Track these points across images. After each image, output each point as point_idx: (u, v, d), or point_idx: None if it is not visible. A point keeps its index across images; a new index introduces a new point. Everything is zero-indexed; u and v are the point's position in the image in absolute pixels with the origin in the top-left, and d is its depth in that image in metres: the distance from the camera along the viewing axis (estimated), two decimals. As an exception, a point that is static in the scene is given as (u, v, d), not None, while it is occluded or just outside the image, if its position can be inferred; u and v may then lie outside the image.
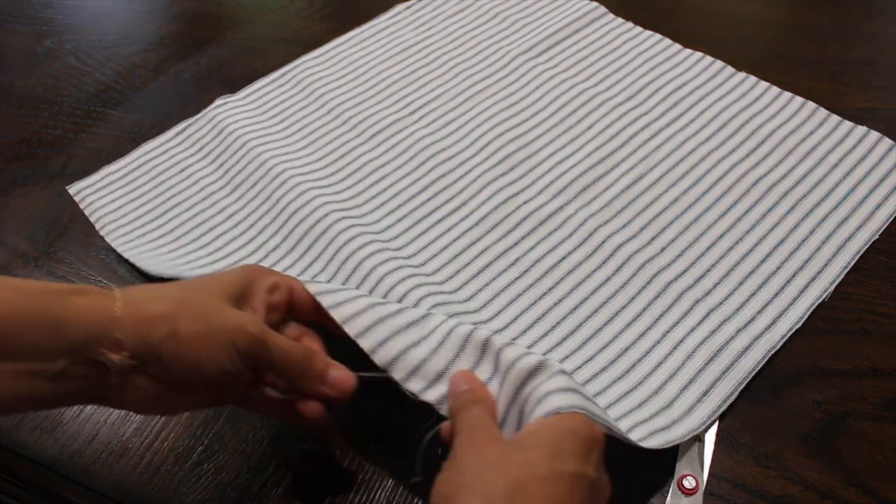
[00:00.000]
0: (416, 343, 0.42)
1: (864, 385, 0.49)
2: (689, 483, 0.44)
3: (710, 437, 0.46)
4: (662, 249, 0.55)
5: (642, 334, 0.50)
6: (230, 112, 0.68)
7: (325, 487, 0.46)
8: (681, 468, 0.45)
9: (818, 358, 0.50)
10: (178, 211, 0.61)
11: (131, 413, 0.50)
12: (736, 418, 0.47)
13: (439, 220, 0.58)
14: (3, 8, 0.85)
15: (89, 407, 0.51)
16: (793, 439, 0.46)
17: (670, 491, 0.44)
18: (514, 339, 0.50)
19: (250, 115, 0.68)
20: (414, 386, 0.42)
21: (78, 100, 0.73)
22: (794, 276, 0.53)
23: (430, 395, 0.41)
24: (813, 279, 0.53)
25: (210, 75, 0.74)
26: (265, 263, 0.56)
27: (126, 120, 0.70)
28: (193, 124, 0.68)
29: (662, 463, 0.46)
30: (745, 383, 0.48)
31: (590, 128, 0.64)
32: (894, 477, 0.44)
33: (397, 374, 0.42)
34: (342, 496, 0.46)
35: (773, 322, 0.50)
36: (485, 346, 0.42)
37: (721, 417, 0.47)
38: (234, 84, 0.72)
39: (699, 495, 0.44)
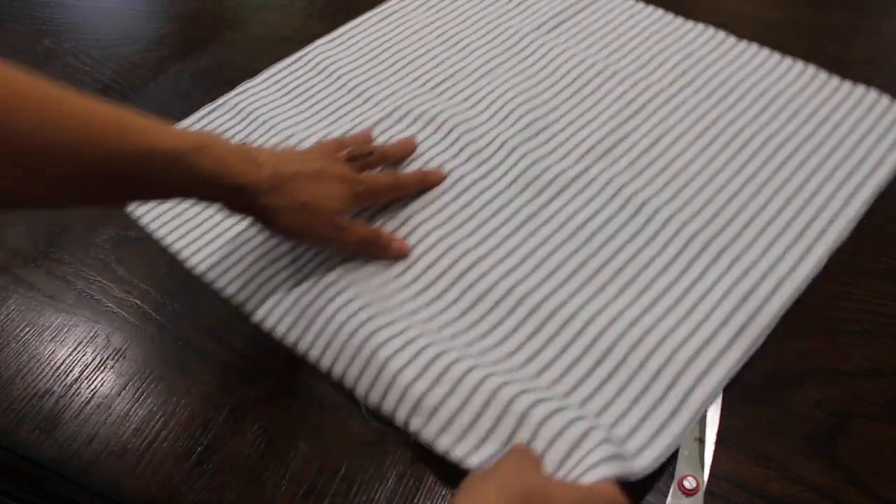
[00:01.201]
0: (447, 397, 0.46)
1: (865, 385, 0.49)
2: (689, 483, 0.44)
3: (711, 438, 0.46)
4: (685, 204, 0.57)
5: (672, 283, 0.53)
6: (252, 97, 0.69)
7: (324, 487, 0.46)
8: (681, 468, 0.45)
9: (819, 358, 0.50)
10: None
11: (131, 413, 0.50)
12: (736, 418, 0.47)
13: (469, 187, 0.60)
14: (2, 8, 0.85)
15: (89, 407, 0.51)
16: (793, 439, 0.46)
17: (671, 491, 0.44)
18: (553, 291, 0.53)
19: (272, 97, 0.69)
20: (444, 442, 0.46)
21: (77, 99, 0.73)
22: (809, 225, 0.56)
23: (473, 460, 0.45)
24: (826, 228, 0.56)
25: (210, 75, 0.74)
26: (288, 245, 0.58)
27: (126, 120, 0.70)
28: (216, 110, 0.69)
29: (663, 463, 0.46)
30: (771, 328, 0.50)
31: (604, 97, 0.66)
32: (894, 477, 0.44)
33: (429, 433, 0.46)
34: (342, 496, 0.46)
35: (794, 267, 0.53)
36: (522, 417, 0.45)
37: (722, 417, 0.47)
38: (234, 84, 0.72)
39: (700, 496, 0.44)
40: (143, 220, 0.61)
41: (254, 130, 0.66)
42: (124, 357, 0.54)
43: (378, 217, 0.59)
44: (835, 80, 0.67)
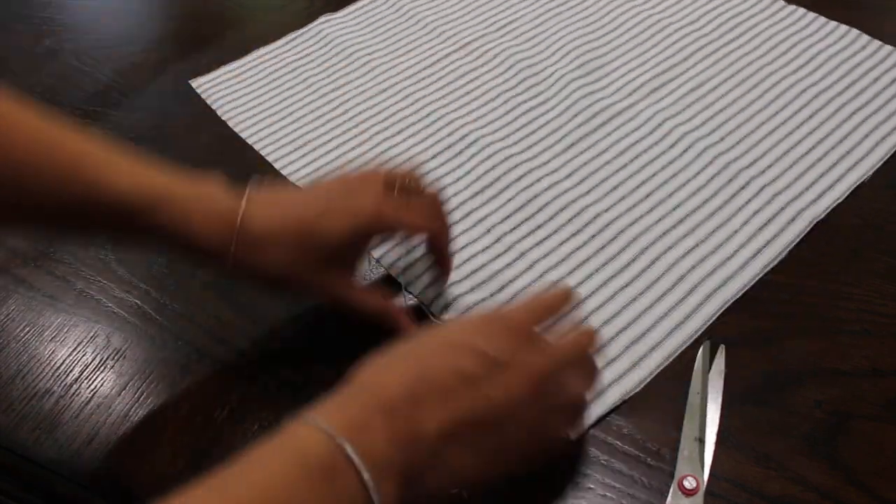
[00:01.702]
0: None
1: (865, 385, 0.49)
2: (689, 483, 0.44)
3: (711, 438, 0.46)
4: (722, 138, 0.63)
5: (702, 204, 0.59)
6: (335, 27, 0.78)
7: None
8: (681, 468, 0.45)
9: (819, 358, 0.50)
10: (289, 103, 0.70)
11: (131, 413, 0.50)
12: (736, 418, 0.47)
13: (524, 113, 0.67)
14: (2, 8, 0.85)
15: (89, 407, 0.51)
16: (793, 439, 0.46)
17: (671, 491, 0.44)
18: (594, 202, 0.59)
19: (354, 30, 0.77)
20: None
21: (78, 100, 0.73)
22: (836, 164, 0.61)
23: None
24: (852, 167, 0.61)
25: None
26: (372, 143, 0.66)
27: (126, 120, 0.70)
28: (301, 35, 0.77)
29: (663, 463, 0.46)
30: (792, 246, 0.55)
31: (656, 45, 0.73)
32: (894, 477, 0.44)
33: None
34: (342, 496, 0.46)
35: (819, 197, 0.59)
36: None
37: (722, 417, 0.47)
38: (233, 84, 0.72)
39: (700, 496, 0.44)
40: (233, 120, 0.69)
41: (334, 56, 0.74)
42: (124, 357, 0.54)
43: (441, 132, 0.66)
44: (875, 43, 0.71)
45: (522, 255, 0.56)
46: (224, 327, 0.54)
